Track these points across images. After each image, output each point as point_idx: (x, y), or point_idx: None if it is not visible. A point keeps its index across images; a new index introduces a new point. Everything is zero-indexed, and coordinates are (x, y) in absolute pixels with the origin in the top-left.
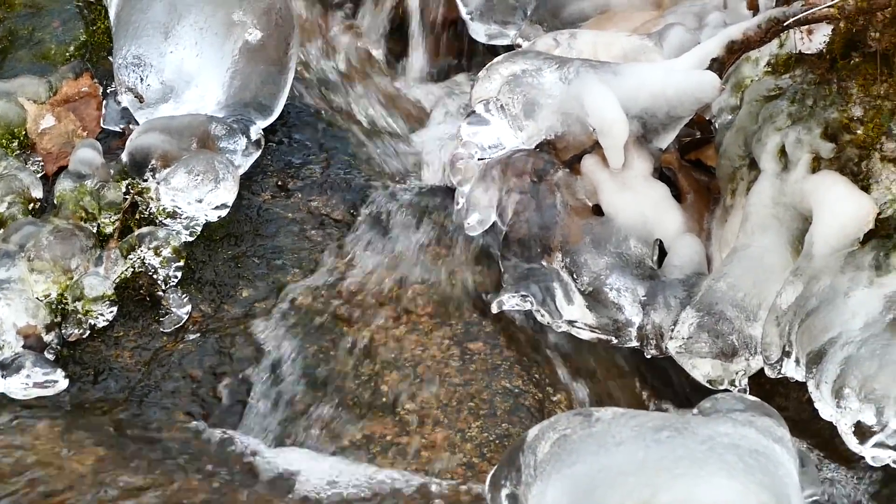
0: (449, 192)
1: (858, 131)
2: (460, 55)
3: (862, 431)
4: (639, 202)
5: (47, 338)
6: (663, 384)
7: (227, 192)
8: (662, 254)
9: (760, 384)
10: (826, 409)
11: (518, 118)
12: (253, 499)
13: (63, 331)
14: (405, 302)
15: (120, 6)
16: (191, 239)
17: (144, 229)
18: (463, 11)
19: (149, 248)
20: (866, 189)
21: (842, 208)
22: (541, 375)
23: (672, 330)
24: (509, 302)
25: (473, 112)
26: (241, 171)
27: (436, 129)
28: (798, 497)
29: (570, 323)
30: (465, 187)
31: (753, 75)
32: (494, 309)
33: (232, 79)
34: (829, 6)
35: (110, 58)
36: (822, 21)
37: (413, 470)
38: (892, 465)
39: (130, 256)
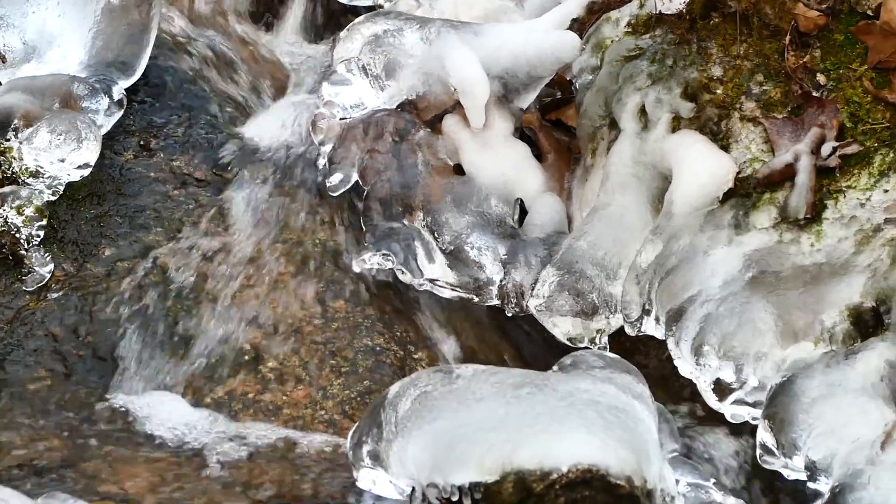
0: (311, 151)
1: (718, 91)
2: (335, 17)
3: (721, 389)
4: (500, 162)
5: None
6: (523, 342)
7: (90, 152)
8: (523, 213)
9: (620, 342)
10: (685, 366)
11: (379, 78)
12: (116, 453)
13: None
14: (267, 260)
15: None
16: (53, 198)
17: (7, 188)
18: None
19: (11, 208)
20: (726, 148)
21: (701, 167)
22: (402, 333)
23: (533, 288)
24: (371, 260)
25: (335, 72)
26: (104, 130)
27: (300, 91)
28: (657, 453)
29: (432, 281)
30: (327, 147)
31: (614, 35)
32: (356, 268)
33: (94, 39)
34: None
35: None
36: None
37: (275, 426)
38: (752, 422)
39: None
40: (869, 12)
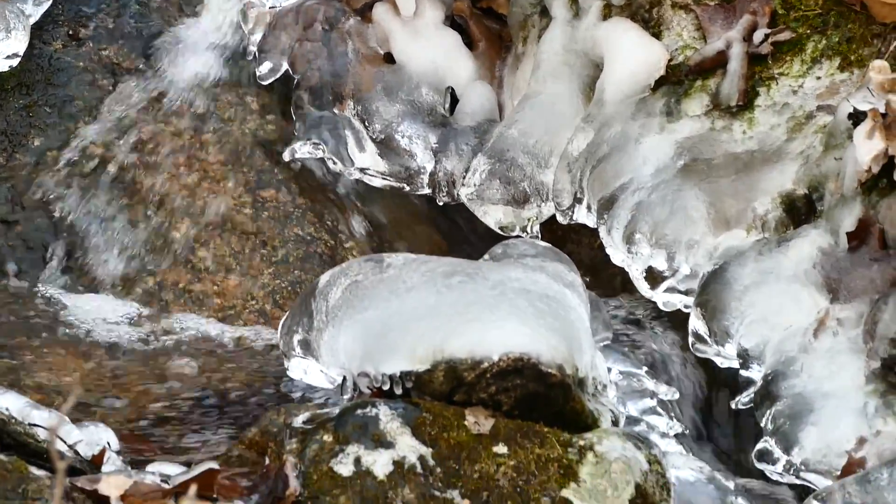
0: (241, 38)
1: None
2: None
3: (653, 277)
4: (430, 50)
5: None
6: (455, 231)
7: (19, 42)
8: (454, 102)
9: (552, 230)
10: (617, 254)
11: None
12: (45, 345)
13: None
14: (197, 150)
15: None
16: None
17: None
18: None
19: None
20: (657, 36)
21: (633, 55)
22: (333, 223)
23: (464, 177)
24: (301, 150)
25: None
26: (33, 20)
27: None
28: (589, 341)
29: (363, 170)
30: (257, 36)
31: None
32: (286, 156)
33: None
34: None
35: None
36: None
37: (206, 317)
38: (684, 310)
39: None
40: None
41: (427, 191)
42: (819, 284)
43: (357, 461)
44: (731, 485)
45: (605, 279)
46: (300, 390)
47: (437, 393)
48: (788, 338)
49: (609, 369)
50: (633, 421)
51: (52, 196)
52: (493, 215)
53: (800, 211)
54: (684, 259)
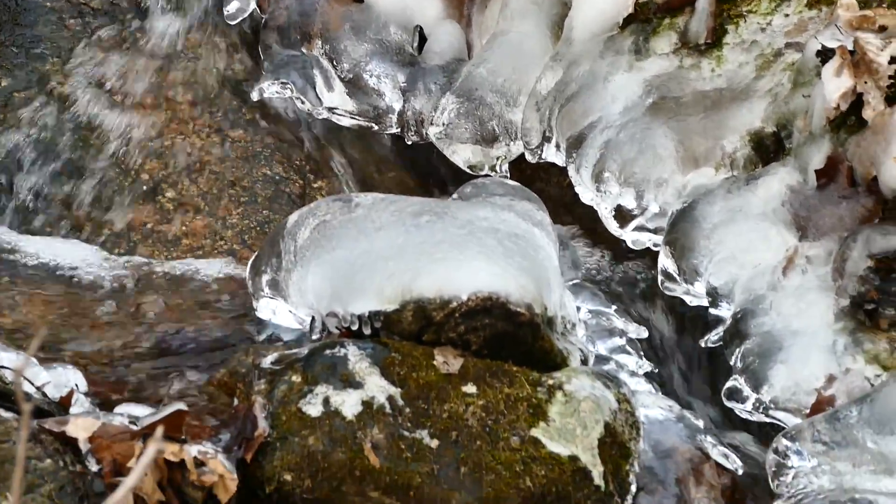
0: None
1: None
2: None
3: (622, 215)
4: None
5: None
6: (424, 170)
7: None
8: (423, 41)
9: (521, 169)
10: (586, 193)
11: None
12: (10, 285)
13: None
14: (165, 90)
15: None
16: None
17: None
18: None
19: None
20: None
21: None
22: (302, 162)
23: (432, 116)
24: (269, 89)
25: None
26: None
27: None
28: (558, 280)
29: (331, 110)
30: None
31: None
32: (255, 96)
33: None
34: None
35: None
36: None
37: (175, 257)
38: (653, 249)
39: None
40: None
41: (396, 130)
42: (788, 222)
43: (326, 401)
44: (700, 423)
45: (573, 218)
46: (269, 331)
47: (406, 333)
48: (757, 276)
49: (578, 308)
50: (602, 360)
51: (18, 137)
52: (461, 154)
53: (768, 149)
54: (653, 197)
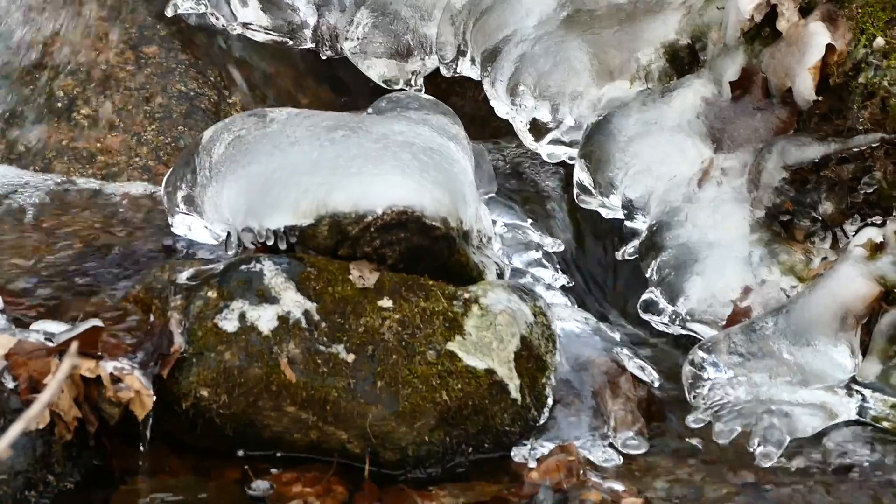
0: None
1: None
2: None
3: (538, 129)
4: None
5: None
6: (339, 85)
7: None
8: None
9: (436, 83)
10: (502, 106)
11: None
12: None
13: None
14: (77, 5)
15: None
16: None
17: None
18: None
19: None
20: None
21: None
22: (217, 78)
23: (347, 31)
24: (184, 5)
25: None
26: None
27: None
28: (474, 194)
29: (245, 25)
30: None
31: None
32: (168, 12)
33: None
34: None
35: None
36: None
37: (90, 174)
38: (568, 162)
39: None
40: None
41: (311, 45)
42: (703, 134)
43: (242, 317)
44: (616, 336)
45: (489, 132)
46: (185, 247)
47: (322, 248)
48: (673, 188)
49: (494, 222)
50: (518, 273)
51: None
52: (376, 69)
53: (683, 61)
54: (568, 110)
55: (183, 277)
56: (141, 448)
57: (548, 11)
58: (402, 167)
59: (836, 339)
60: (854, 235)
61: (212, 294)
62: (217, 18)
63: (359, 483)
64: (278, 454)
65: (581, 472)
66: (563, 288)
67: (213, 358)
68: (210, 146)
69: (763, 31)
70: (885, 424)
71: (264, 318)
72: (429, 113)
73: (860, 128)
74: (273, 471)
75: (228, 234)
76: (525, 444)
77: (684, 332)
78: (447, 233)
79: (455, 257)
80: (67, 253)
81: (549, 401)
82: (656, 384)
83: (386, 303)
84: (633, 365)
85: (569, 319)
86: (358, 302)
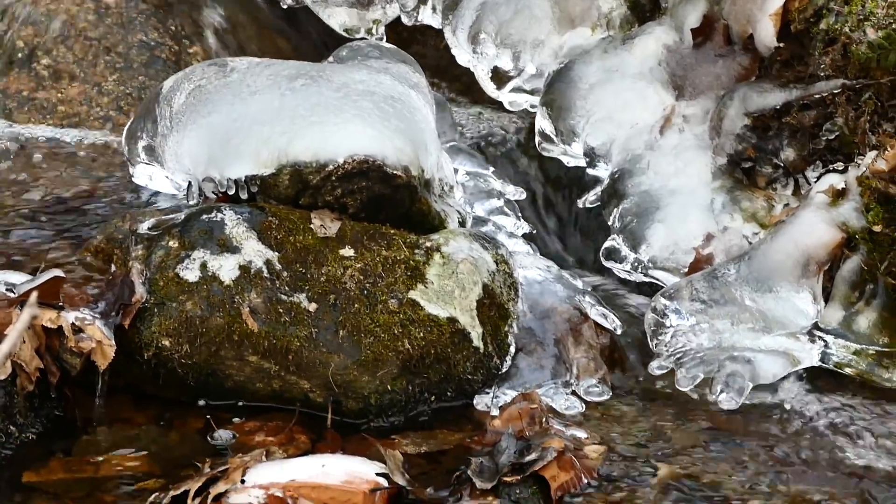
0: None
1: None
2: None
3: (499, 77)
4: None
5: None
6: (301, 35)
7: None
8: None
9: (398, 32)
10: (463, 55)
11: None
12: None
13: None
14: None
15: None
16: None
17: None
18: None
19: None
20: None
21: None
22: (177, 28)
23: None
24: None
25: None
26: None
27: None
28: (435, 142)
29: None
30: None
31: None
32: None
33: None
34: None
35: None
36: None
37: (51, 124)
38: (530, 110)
39: None
40: None
41: None
42: (665, 81)
43: (203, 266)
44: (579, 283)
45: (450, 80)
46: (146, 196)
47: (283, 197)
48: (635, 135)
49: (456, 170)
50: (480, 221)
51: None
52: (337, 18)
53: (644, 8)
54: (529, 58)
55: (144, 227)
56: (97, 398)
57: None
58: (363, 116)
59: (798, 286)
60: (816, 182)
61: (173, 244)
62: None
63: (321, 432)
64: (240, 403)
65: (544, 419)
66: (525, 236)
67: (174, 308)
68: (170, 96)
69: None
70: (848, 370)
71: (226, 268)
72: (390, 61)
73: (822, 74)
74: (235, 420)
75: (190, 183)
76: (488, 393)
77: (647, 279)
78: (408, 181)
79: (416, 206)
80: (28, 203)
81: (512, 349)
82: (619, 331)
83: (348, 252)
84: (595, 312)
85: (531, 267)
86: (319, 251)
